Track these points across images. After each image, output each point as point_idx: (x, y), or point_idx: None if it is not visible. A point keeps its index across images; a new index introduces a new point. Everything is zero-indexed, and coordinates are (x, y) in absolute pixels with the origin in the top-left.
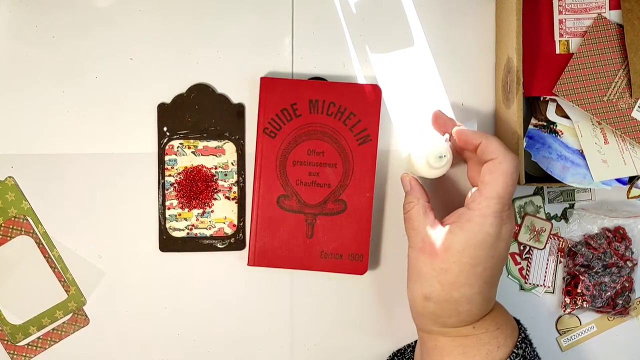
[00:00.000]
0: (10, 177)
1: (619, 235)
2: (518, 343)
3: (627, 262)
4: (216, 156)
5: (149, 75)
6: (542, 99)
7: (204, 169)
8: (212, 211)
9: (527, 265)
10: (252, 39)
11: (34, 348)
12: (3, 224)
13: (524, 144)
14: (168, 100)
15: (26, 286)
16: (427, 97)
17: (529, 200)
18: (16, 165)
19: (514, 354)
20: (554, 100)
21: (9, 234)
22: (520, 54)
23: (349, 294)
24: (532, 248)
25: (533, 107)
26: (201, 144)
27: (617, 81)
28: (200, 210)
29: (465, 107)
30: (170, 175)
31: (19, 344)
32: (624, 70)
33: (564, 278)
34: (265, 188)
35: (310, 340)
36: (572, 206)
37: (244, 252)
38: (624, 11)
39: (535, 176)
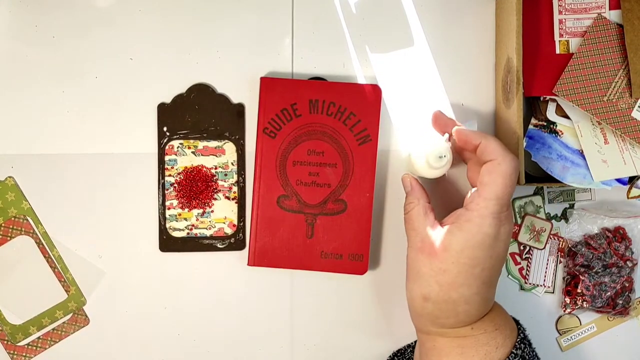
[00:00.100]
0: (10, 177)
1: (619, 235)
2: (517, 343)
3: (627, 262)
4: (216, 156)
5: (149, 75)
6: (542, 99)
7: (204, 169)
8: (212, 211)
9: (527, 265)
10: (252, 39)
11: (34, 348)
12: (3, 224)
13: (524, 144)
14: (168, 100)
15: (26, 286)
16: (427, 97)
17: (529, 200)
18: (16, 165)
19: (513, 355)
20: (554, 100)
21: (9, 234)
22: (520, 54)
23: (349, 294)
24: (532, 248)
25: (533, 107)
26: (201, 144)
27: (617, 81)
28: (200, 210)
29: (465, 107)
30: (170, 175)
31: (19, 344)
32: (624, 70)
33: (564, 278)
34: (265, 188)
35: (310, 340)
36: (572, 206)
37: (244, 252)
38: (624, 11)
39: (535, 176)
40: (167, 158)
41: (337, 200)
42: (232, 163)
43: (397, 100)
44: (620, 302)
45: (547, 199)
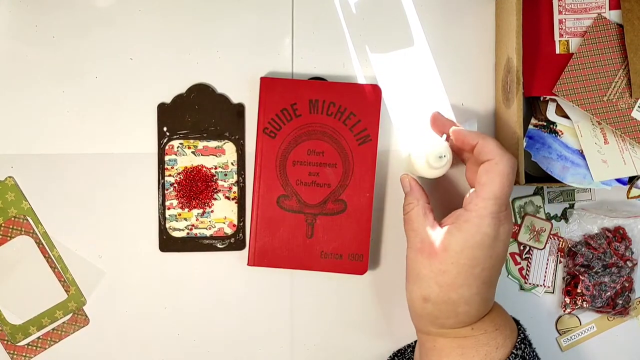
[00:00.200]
0: (10, 177)
1: (619, 235)
2: (517, 344)
3: (627, 262)
4: (216, 156)
5: (149, 75)
6: (542, 99)
7: (204, 169)
8: (212, 211)
9: (527, 265)
10: (252, 39)
11: (34, 348)
12: (3, 224)
13: (524, 144)
14: (168, 100)
15: (26, 286)
16: (427, 97)
17: (529, 200)
18: (16, 165)
19: (513, 355)
20: (554, 100)
21: (9, 234)
22: (520, 54)
23: (349, 294)
24: (532, 248)
25: (533, 107)
26: (201, 144)
27: (617, 81)
28: (200, 210)
29: (465, 107)
30: (170, 175)
31: (19, 344)
32: (624, 70)
33: (564, 278)
34: (265, 188)
35: (310, 340)
36: (572, 206)
37: (244, 252)
38: (624, 11)
39: (535, 176)
40: (167, 158)
41: (337, 200)
42: (232, 163)
43: (397, 100)
44: (620, 302)
45: (547, 199)
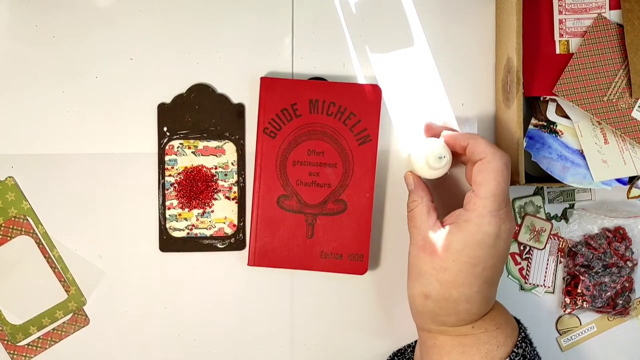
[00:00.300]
0: (10, 177)
1: (619, 235)
2: (518, 342)
3: (627, 262)
4: (216, 156)
5: (149, 75)
6: (542, 99)
7: (204, 169)
8: (212, 211)
9: (527, 265)
10: (252, 39)
11: (34, 348)
12: (3, 224)
13: (524, 144)
14: (168, 100)
15: (26, 286)
16: (427, 97)
17: (529, 200)
18: (16, 165)
19: (514, 354)
20: (554, 100)
21: (9, 234)
22: (520, 54)
23: (349, 294)
24: (532, 248)
25: (533, 107)
26: (201, 144)
27: (617, 81)
28: (200, 210)
29: (465, 107)
30: (170, 175)
31: (19, 344)
32: (624, 70)
33: (564, 278)
34: (265, 188)
35: (310, 340)
36: (572, 206)
37: (244, 252)
38: (624, 11)
39: (535, 176)
40: (167, 158)
41: (337, 200)
42: (232, 163)
43: (397, 100)
44: (620, 302)
45: (547, 199)
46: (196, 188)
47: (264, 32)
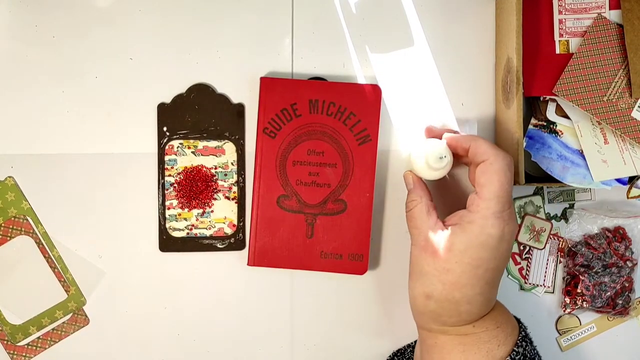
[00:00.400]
0: (10, 177)
1: (619, 235)
2: (518, 341)
3: (627, 262)
4: (216, 156)
5: (149, 75)
6: (542, 99)
7: (204, 169)
8: (212, 211)
9: (527, 265)
10: (252, 39)
11: (34, 348)
12: (3, 224)
13: (524, 144)
14: (168, 100)
15: (26, 286)
16: (427, 97)
17: (529, 200)
18: (16, 165)
19: (515, 352)
20: (554, 100)
21: (9, 234)
22: (520, 54)
23: (349, 294)
24: (532, 248)
25: (533, 107)
26: (201, 144)
27: (617, 81)
28: (200, 210)
29: (465, 107)
30: (170, 175)
31: (19, 344)
32: (624, 70)
33: (564, 278)
34: (265, 188)
35: (310, 340)
36: (572, 206)
37: (244, 252)
38: (624, 11)
39: (535, 176)
40: (167, 158)
41: (337, 200)
42: (232, 163)
43: (397, 100)
44: (620, 302)
45: (547, 199)
46: (196, 188)
47: (264, 32)
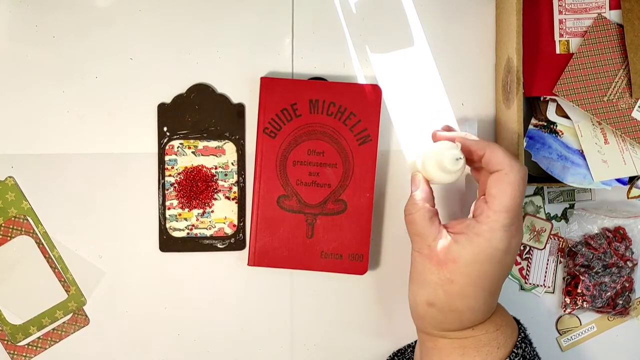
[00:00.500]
0: (10, 177)
1: (619, 235)
2: (518, 343)
3: (627, 262)
4: (216, 156)
5: (149, 75)
6: (542, 99)
7: (204, 169)
8: (212, 211)
9: (527, 265)
10: (252, 39)
11: (34, 348)
12: (3, 224)
13: (524, 144)
14: (168, 100)
15: (26, 286)
16: (427, 97)
17: (529, 200)
18: (16, 165)
19: (514, 354)
20: (554, 100)
21: (9, 234)
22: (520, 54)
23: (349, 294)
24: (532, 248)
25: (533, 107)
26: (201, 144)
27: (617, 81)
28: (200, 210)
29: (465, 107)
30: (170, 175)
31: (19, 344)
32: (624, 70)
33: (564, 278)
34: (265, 188)
35: (310, 340)
36: (572, 206)
37: (244, 252)
38: (624, 11)
39: (535, 176)
40: (167, 158)
41: (337, 200)
42: (232, 163)
43: (397, 100)
44: (620, 302)
45: (547, 199)
46: (196, 188)
47: (264, 32)
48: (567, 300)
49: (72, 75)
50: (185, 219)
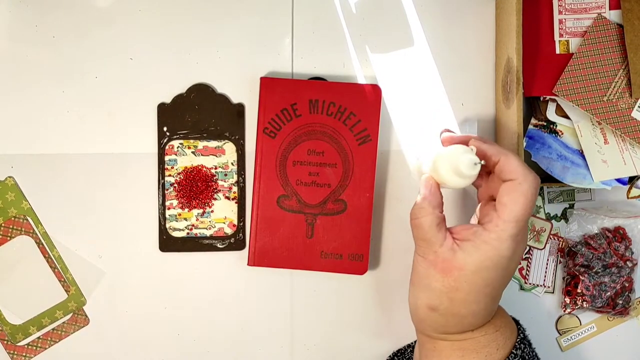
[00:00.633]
0: (10, 177)
1: (619, 235)
2: (517, 344)
3: (627, 262)
4: (216, 156)
5: (149, 75)
6: (542, 99)
7: (204, 169)
8: (212, 211)
9: (527, 265)
10: (252, 39)
11: (34, 348)
12: (3, 224)
13: (524, 144)
14: (168, 100)
15: (26, 286)
16: (427, 97)
17: None
18: (16, 165)
19: (513, 355)
20: (554, 100)
21: (9, 234)
22: (520, 54)
23: (349, 294)
24: (532, 248)
25: (533, 107)
26: (201, 144)
27: (617, 81)
28: (200, 210)
29: (465, 107)
30: (170, 175)
31: (19, 344)
32: (624, 70)
33: (564, 278)
34: (265, 188)
35: (310, 340)
36: (572, 206)
37: (244, 252)
38: (624, 11)
39: None
40: (167, 158)
41: (337, 200)
42: (232, 163)
43: (397, 100)
44: (620, 302)
45: (547, 199)
46: (196, 188)
47: (264, 32)
48: (567, 300)
49: (72, 75)
50: (185, 219)
